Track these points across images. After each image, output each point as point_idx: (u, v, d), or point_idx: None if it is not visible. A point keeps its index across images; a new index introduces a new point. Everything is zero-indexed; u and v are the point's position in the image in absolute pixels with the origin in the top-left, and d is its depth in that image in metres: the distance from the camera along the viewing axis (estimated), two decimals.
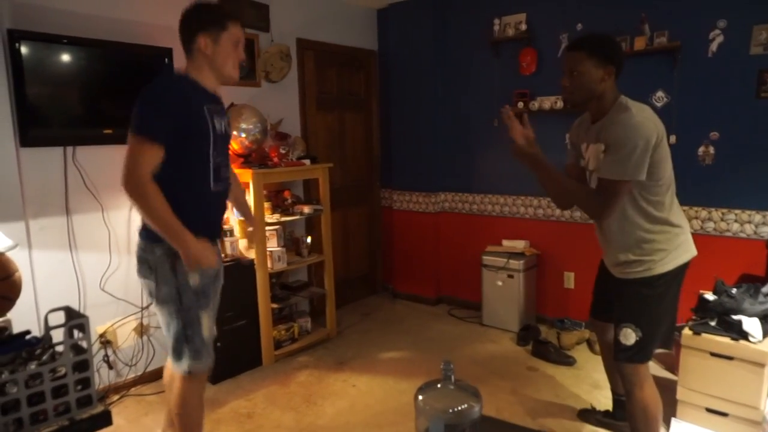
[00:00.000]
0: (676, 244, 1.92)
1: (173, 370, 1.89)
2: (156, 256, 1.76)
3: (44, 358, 1.76)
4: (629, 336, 1.94)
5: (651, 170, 1.80)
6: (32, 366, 1.70)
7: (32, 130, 2.44)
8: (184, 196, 1.73)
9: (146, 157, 1.58)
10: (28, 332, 1.95)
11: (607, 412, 2.52)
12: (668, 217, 1.91)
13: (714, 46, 3.02)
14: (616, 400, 2.45)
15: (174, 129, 1.62)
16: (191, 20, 1.73)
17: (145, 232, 1.80)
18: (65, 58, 2.52)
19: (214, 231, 1.89)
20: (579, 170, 2.12)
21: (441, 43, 4.16)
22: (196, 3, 1.78)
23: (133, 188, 1.59)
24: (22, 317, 2.36)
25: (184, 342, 1.79)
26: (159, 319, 1.87)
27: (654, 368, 3.12)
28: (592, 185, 2.00)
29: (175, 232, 1.64)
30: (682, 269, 1.95)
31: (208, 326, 1.82)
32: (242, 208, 2.28)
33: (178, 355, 1.82)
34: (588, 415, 2.57)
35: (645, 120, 1.78)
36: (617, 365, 2.03)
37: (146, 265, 1.79)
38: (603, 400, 2.74)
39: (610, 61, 1.83)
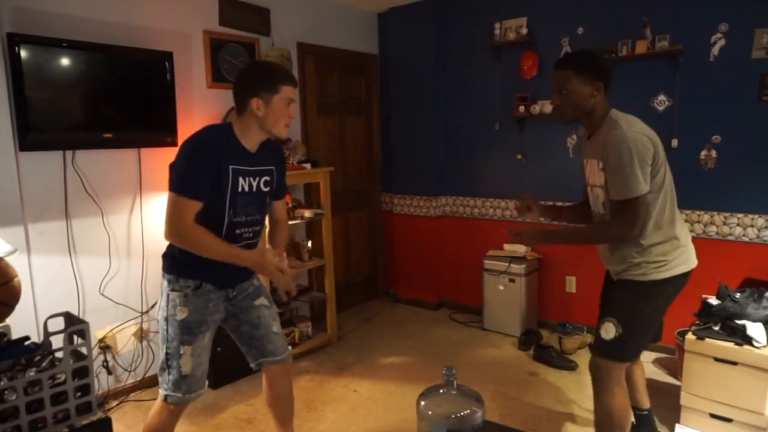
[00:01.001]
0: (675, 255, 1.91)
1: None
2: (163, 283, 1.85)
3: (44, 364, 1.75)
4: (610, 330, 1.93)
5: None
6: (31, 373, 1.69)
7: (31, 134, 2.43)
8: None
9: (186, 210, 1.69)
10: (27, 338, 1.95)
11: (632, 425, 2.34)
12: (665, 228, 1.91)
13: (716, 50, 3.01)
14: (638, 416, 2.34)
15: (206, 185, 1.71)
16: (245, 84, 1.80)
17: (164, 259, 1.88)
18: (65, 61, 2.51)
19: (224, 281, 1.89)
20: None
21: (442, 47, 4.16)
22: (252, 64, 1.89)
23: (182, 239, 1.71)
24: (21, 323, 2.35)
25: (165, 369, 1.82)
26: None
27: (657, 373, 3.11)
28: (593, 200, 2.03)
29: (233, 256, 1.75)
30: (679, 279, 1.94)
31: (190, 362, 1.80)
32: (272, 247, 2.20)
33: (161, 379, 1.84)
34: None
35: (637, 134, 1.80)
36: (591, 362, 2.00)
37: (161, 288, 1.88)
38: None
39: (598, 77, 1.87)
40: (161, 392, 1.83)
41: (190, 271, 1.80)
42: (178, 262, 1.82)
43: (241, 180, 1.80)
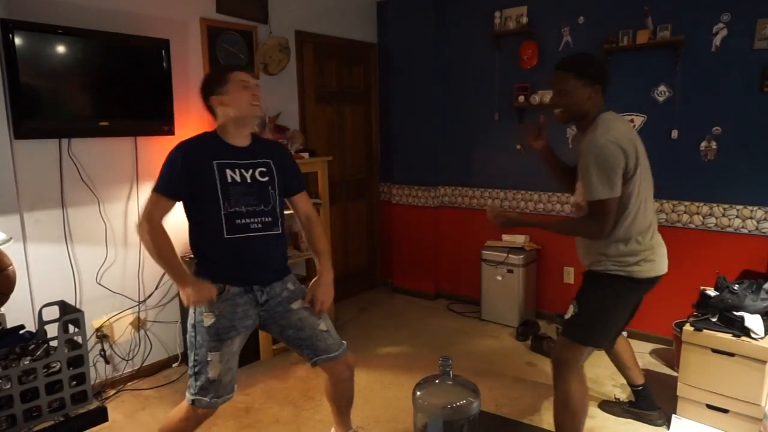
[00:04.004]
0: (642, 258, 1.96)
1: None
2: None
3: (38, 353, 1.75)
4: (569, 310, 2.07)
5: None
6: (26, 361, 1.69)
7: (26, 122, 2.40)
8: (203, 244, 1.90)
9: (155, 207, 1.82)
10: (22, 327, 1.94)
11: (631, 402, 2.56)
12: (638, 233, 1.95)
13: (717, 40, 2.99)
14: (635, 392, 2.51)
15: (186, 185, 1.82)
16: (203, 90, 1.92)
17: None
18: (60, 48, 2.48)
19: (246, 278, 1.89)
20: None
21: (441, 36, 4.12)
22: (204, 75, 2.03)
23: (139, 231, 1.83)
24: (17, 312, 2.34)
25: (192, 375, 1.85)
26: None
27: (654, 364, 3.12)
28: (578, 193, 2.06)
29: (172, 270, 1.83)
30: (645, 283, 1.99)
31: (218, 369, 1.82)
32: (316, 257, 2.17)
33: (189, 383, 1.87)
34: (613, 406, 2.61)
35: (607, 142, 1.84)
36: (552, 351, 2.10)
37: None
38: (602, 395, 2.73)
39: (597, 80, 1.93)
40: (188, 396, 1.85)
41: (211, 272, 1.85)
42: (199, 266, 1.89)
43: (229, 171, 1.86)
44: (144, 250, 2.92)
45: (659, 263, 2.01)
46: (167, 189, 1.82)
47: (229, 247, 1.85)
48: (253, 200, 1.89)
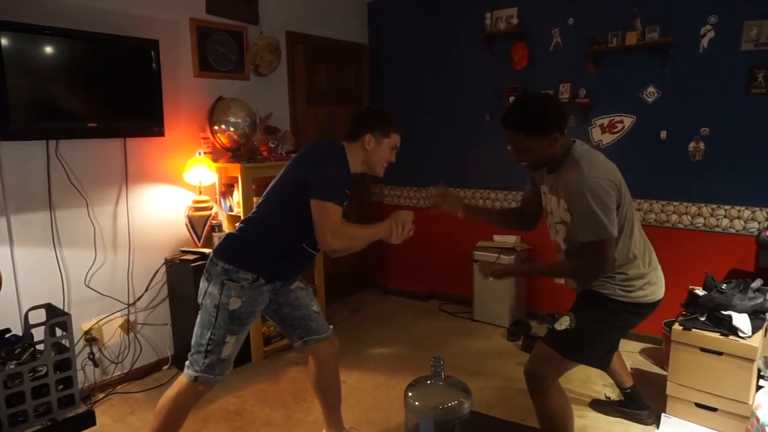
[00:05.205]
0: (645, 282, 1.91)
1: (185, 371, 1.90)
2: (216, 269, 1.87)
3: (24, 357, 1.73)
4: (564, 322, 1.95)
5: None
6: (11, 365, 1.67)
7: (13, 123, 2.37)
8: (274, 241, 1.90)
9: (339, 216, 1.78)
10: (8, 330, 1.92)
11: (621, 401, 2.58)
12: (638, 258, 1.91)
13: (705, 42, 3.02)
14: (624, 394, 2.52)
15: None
16: (366, 118, 2.00)
17: (218, 247, 1.95)
18: (48, 49, 2.46)
19: (278, 277, 1.97)
20: (534, 204, 2.15)
21: (432, 37, 4.13)
22: (377, 108, 2.09)
23: (343, 242, 1.79)
24: (3, 315, 2.31)
25: (203, 352, 1.86)
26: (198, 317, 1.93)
27: (643, 363, 3.13)
28: (552, 231, 2.01)
29: (373, 236, 1.89)
30: (646, 308, 1.94)
31: (230, 349, 1.89)
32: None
33: (193, 360, 1.88)
34: (603, 405, 2.62)
35: (599, 180, 1.75)
36: (525, 367, 1.99)
37: (207, 272, 1.92)
38: (593, 394, 2.75)
39: (549, 130, 1.79)
40: (191, 373, 1.86)
41: (253, 265, 1.87)
42: (245, 255, 1.88)
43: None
44: (133, 252, 2.92)
45: (660, 286, 1.97)
46: (341, 199, 1.80)
47: (296, 255, 1.94)
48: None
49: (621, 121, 3.33)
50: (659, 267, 2.00)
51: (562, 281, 3.71)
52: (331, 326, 2.20)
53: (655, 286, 1.94)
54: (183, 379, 1.89)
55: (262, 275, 1.88)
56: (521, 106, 1.87)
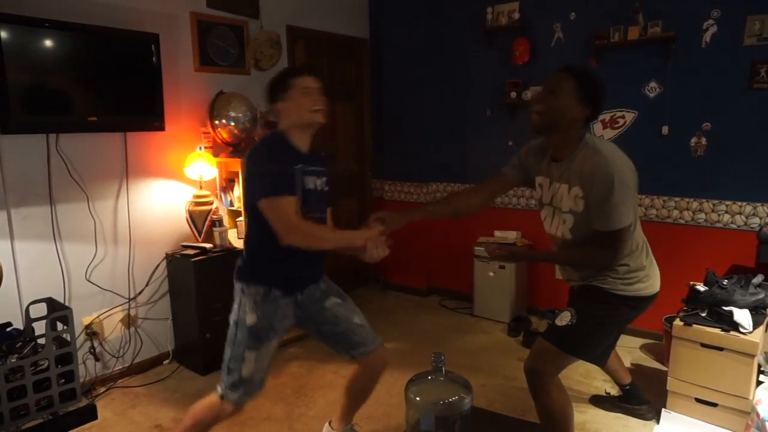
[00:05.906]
0: (644, 275, 1.91)
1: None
2: (236, 289, 1.89)
3: (26, 351, 1.73)
4: (565, 318, 1.93)
5: None
6: (13, 359, 1.67)
7: (13, 116, 2.36)
8: (266, 247, 1.82)
9: (289, 208, 1.73)
10: (9, 324, 1.92)
11: (620, 397, 2.58)
12: (638, 250, 1.90)
13: (708, 37, 3.00)
14: (623, 391, 2.52)
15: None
16: (268, 96, 1.91)
17: (237, 267, 1.92)
18: (48, 42, 2.45)
19: (293, 281, 1.92)
20: (499, 192, 2.24)
21: (433, 31, 4.11)
22: (270, 79, 1.95)
23: (298, 239, 1.73)
24: (4, 309, 2.31)
25: (226, 369, 1.85)
26: None
27: (644, 359, 3.14)
28: (555, 223, 1.97)
29: (340, 241, 1.88)
30: (645, 301, 1.94)
31: (251, 367, 1.83)
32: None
33: (221, 378, 1.87)
34: (603, 401, 2.63)
35: (624, 163, 1.76)
36: (525, 364, 1.98)
37: (234, 294, 1.91)
38: (593, 390, 2.75)
39: (591, 103, 1.79)
40: (218, 389, 1.86)
41: (259, 276, 1.85)
42: (250, 269, 1.88)
43: (306, 180, 1.86)
44: (133, 246, 2.92)
45: (657, 279, 1.97)
46: (285, 187, 1.76)
47: (292, 255, 1.85)
48: (323, 207, 1.96)
49: (622, 117, 3.32)
50: (654, 260, 2.01)
51: (560, 276, 3.71)
52: (380, 337, 2.10)
53: (653, 279, 1.95)
54: (213, 395, 1.88)
55: (274, 285, 1.85)
56: (590, 71, 1.87)
